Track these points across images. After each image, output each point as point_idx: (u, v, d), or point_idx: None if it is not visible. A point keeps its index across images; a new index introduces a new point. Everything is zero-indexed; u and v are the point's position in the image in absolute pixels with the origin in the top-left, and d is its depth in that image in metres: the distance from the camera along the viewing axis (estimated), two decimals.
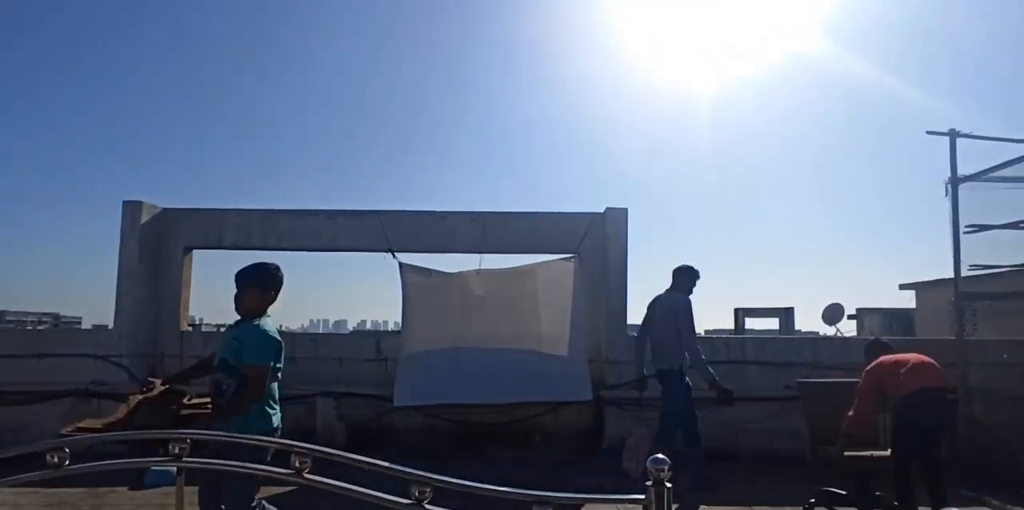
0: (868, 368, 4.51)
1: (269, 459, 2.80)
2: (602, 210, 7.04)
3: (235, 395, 3.17)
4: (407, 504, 2.05)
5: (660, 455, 1.94)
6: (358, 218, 7.15)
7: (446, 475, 2.12)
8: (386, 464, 2.22)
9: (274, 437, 3.14)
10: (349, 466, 2.26)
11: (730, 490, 5.08)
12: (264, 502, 3.26)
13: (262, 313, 3.36)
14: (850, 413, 4.40)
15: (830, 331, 13.83)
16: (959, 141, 5.96)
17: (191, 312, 7.67)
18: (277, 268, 3.43)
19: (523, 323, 6.74)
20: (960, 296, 6.01)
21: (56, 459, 2.31)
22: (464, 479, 2.07)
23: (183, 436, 2.50)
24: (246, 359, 3.19)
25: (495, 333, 6.66)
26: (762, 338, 7.48)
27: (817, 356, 6.68)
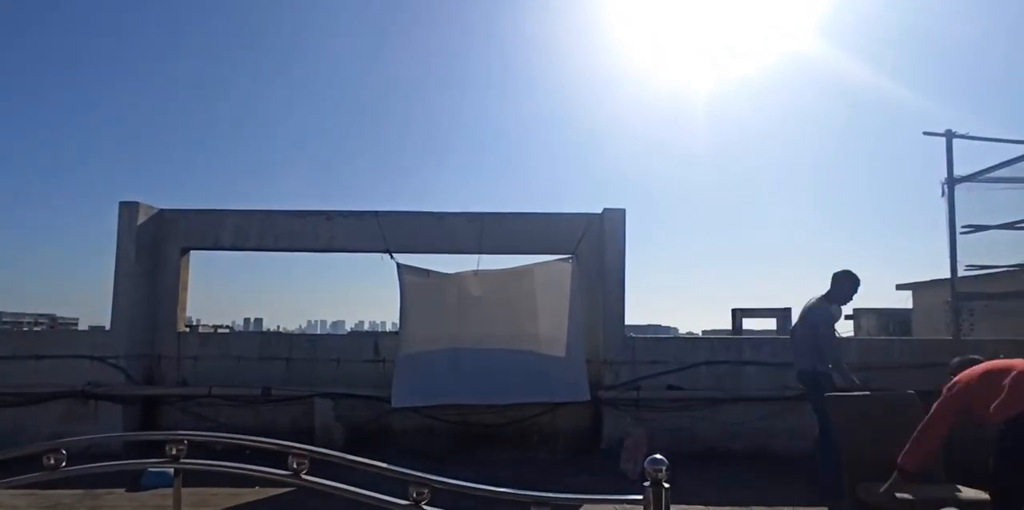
0: (951, 385, 3.38)
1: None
2: (600, 211, 7.04)
3: None
4: (405, 505, 2.05)
5: (658, 455, 1.94)
6: (356, 219, 7.14)
7: (444, 476, 2.12)
8: (384, 465, 2.22)
9: None
10: (347, 467, 2.26)
11: (729, 490, 5.08)
12: None
13: None
14: (913, 441, 3.31)
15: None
16: (956, 142, 5.98)
17: (188, 313, 7.65)
18: None
19: (521, 324, 6.74)
20: (957, 296, 6.03)
21: (53, 461, 2.31)
22: (462, 480, 2.07)
23: (180, 437, 2.50)
24: None
25: (493, 334, 6.66)
26: (760, 339, 7.48)
27: None
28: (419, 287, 6.72)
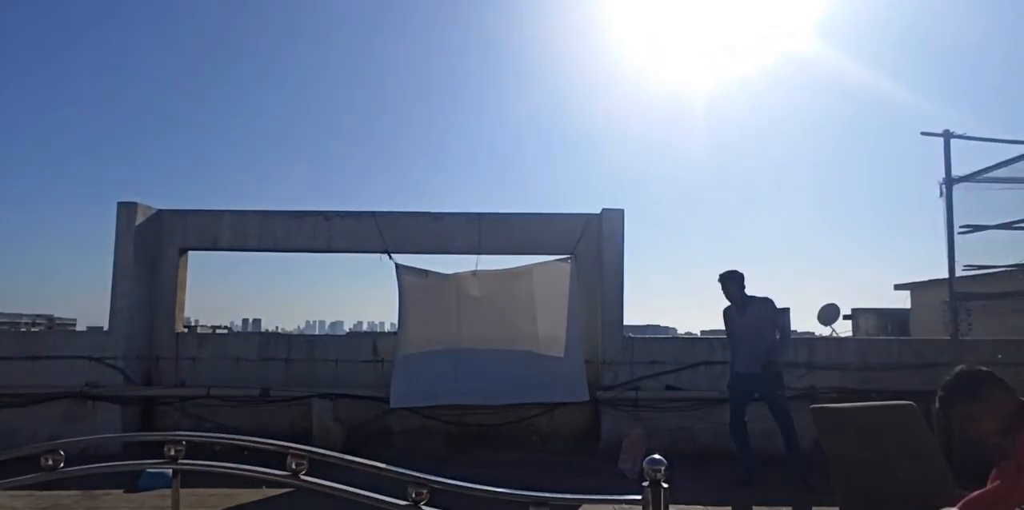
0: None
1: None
2: (598, 211, 7.05)
3: None
4: (404, 505, 2.05)
5: (656, 456, 1.95)
6: (354, 219, 7.14)
7: (443, 476, 2.11)
8: (383, 466, 2.22)
9: None
10: (346, 468, 2.26)
11: (727, 490, 5.09)
12: None
13: None
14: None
15: (826, 331, 13.87)
16: (954, 142, 5.99)
17: (186, 314, 7.64)
18: None
19: (520, 324, 6.74)
20: (955, 296, 6.03)
21: (51, 462, 2.30)
22: (461, 480, 2.07)
23: (178, 438, 2.50)
24: None
25: (491, 334, 6.66)
26: None
27: (813, 357, 6.70)
28: (418, 287, 6.72)
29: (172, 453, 2.45)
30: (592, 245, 6.96)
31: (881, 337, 12.07)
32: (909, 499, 2.70)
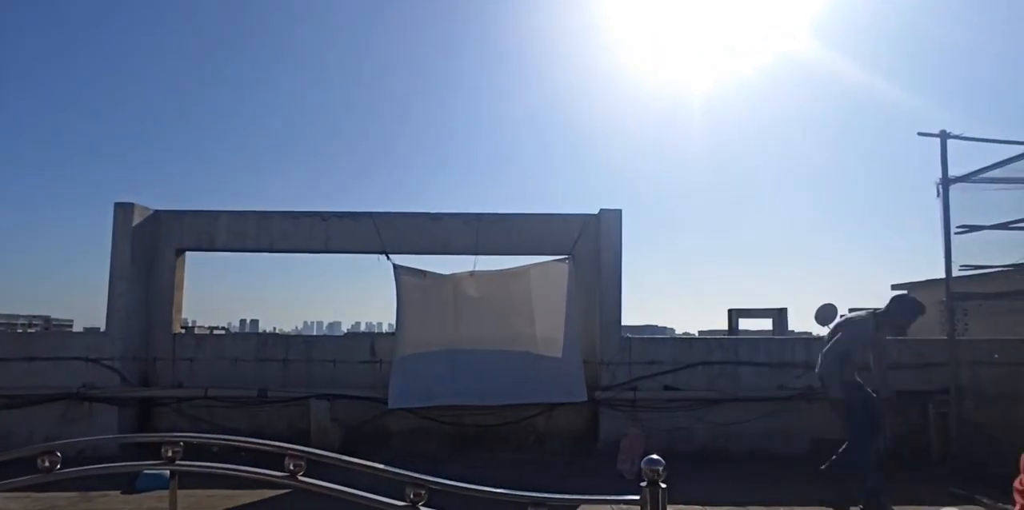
0: None
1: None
2: (596, 211, 7.05)
3: None
4: (402, 506, 2.04)
5: (655, 456, 1.95)
6: (352, 219, 7.13)
7: (441, 477, 2.11)
8: (381, 466, 2.22)
9: None
10: (344, 468, 2.25)
11: (725, 490, 5.09)
12: None
13: None
14: None
15: (823, 331, 13.88)
16: (950, 142, 6.01)
17: (184, 314, 7.62)
18: None
19: (518, 324, 6.74)
20: (951, 296, 6.05)
21: (47, 463, 2.30)
22: (459, 481, 2.07)
23: (176, 439, 2.49)
24: None
25: (489, 334, 6.66)
26: (756, 339, 7.50)
27: (810, 356, 6.70)
28: (415, 288, 6.72)
29: (169, 454, 2.45)
30: (590, 245, 6.97)
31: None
32: None
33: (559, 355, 6.62)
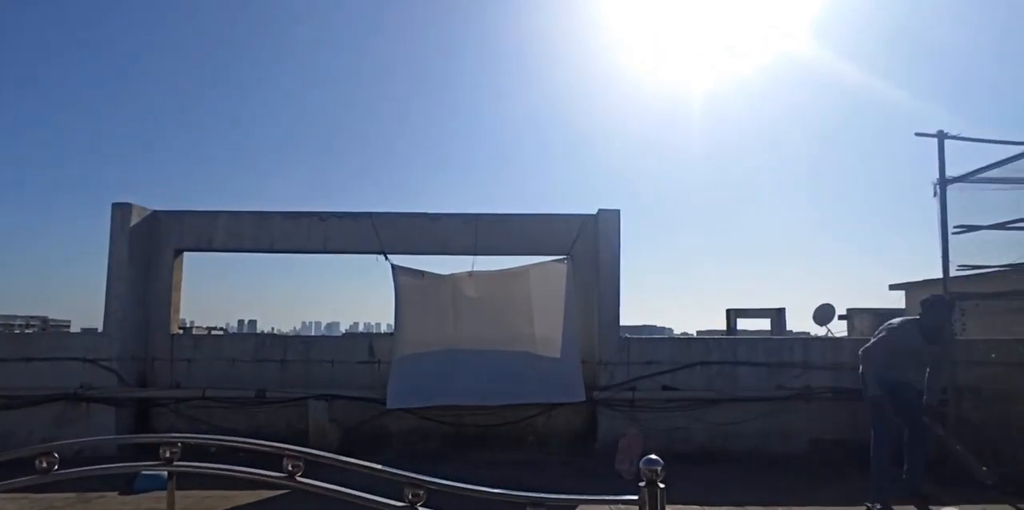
0: None
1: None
2: (595, 211, 7.05)
3: None
4: (401, 506, 2.04)
5: (653, 456, 1.95)
6: (350, 220, 7.13)
7: (439, 477, 2.11)
8: (379, 467, 2.22)
9: None
10: (342, 469, 2.25)
11: (724, 490, 5.09)
12: None
13: None
14: None
15: (821, 331, 13.89)
16: (947, 143, 6.02)
17: (182, 315, 7.61)
18: None
19: (516, 325, 6.74)
20: (949, 296, 6.06)
21: (45, 464, 2.29)
22: (458, 481, 2.07)
23: (174, 440, 2.49)
24: None
25: (488, 335, 6.66)
26: (754, 339, 7.51)
27: (808, 357, 6.72)
28: (414, 288, 6.72)
29: (167, 455, 2.45)
30: (588, 245, 6.97)
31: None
32: None
33: (558, 355, 6.63)
